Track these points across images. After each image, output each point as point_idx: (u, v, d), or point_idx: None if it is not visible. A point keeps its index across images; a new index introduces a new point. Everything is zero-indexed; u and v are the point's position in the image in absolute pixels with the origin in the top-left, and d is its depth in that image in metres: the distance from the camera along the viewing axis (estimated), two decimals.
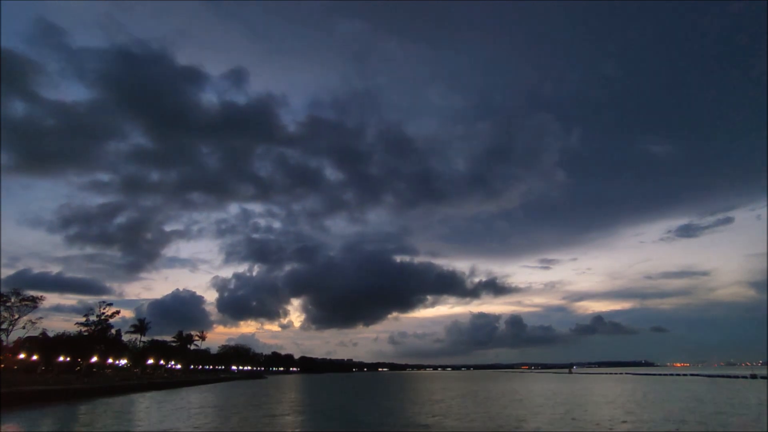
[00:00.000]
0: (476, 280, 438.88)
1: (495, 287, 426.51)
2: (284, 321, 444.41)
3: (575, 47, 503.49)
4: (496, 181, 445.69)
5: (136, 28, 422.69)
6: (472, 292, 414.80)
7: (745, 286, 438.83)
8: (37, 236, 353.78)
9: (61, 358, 77.57)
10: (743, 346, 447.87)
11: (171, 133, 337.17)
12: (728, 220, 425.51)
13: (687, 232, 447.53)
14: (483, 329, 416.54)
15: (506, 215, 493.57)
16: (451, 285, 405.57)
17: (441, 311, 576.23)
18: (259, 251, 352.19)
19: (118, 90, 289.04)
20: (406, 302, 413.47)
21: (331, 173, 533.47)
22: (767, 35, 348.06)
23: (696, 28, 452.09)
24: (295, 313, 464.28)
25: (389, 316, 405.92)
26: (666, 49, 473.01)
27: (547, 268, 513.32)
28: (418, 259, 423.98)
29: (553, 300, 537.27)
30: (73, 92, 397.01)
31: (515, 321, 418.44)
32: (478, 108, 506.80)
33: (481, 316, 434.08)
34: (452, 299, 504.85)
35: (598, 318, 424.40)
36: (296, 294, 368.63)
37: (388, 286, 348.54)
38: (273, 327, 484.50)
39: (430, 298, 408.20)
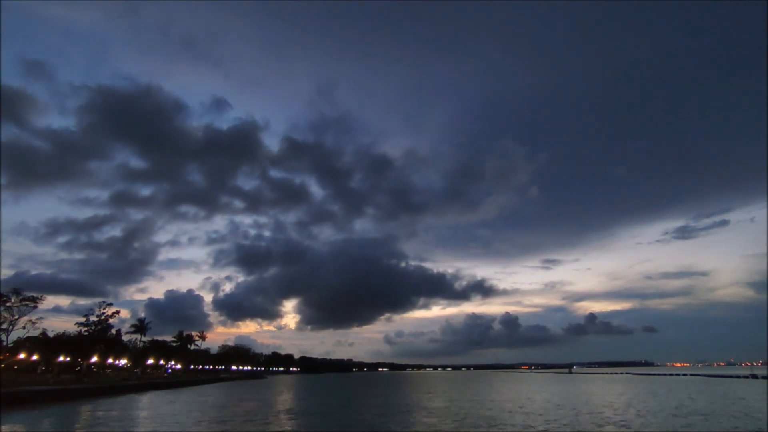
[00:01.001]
0: (464, 282, 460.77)
1: (489, 289, 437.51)
2: (280, 323, 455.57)
3: (535, 75, 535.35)
4: (472, 196, 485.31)
5: (121, 66, 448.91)
6: (464, 294, 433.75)
7: (743, 287, 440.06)
8: (27, 246, 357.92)
9: (61, 358, 77.45)
10: (743, 346, 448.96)
11: (159, 154, 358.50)
12: (724, 223, 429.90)
13: (683, 233, 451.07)
14: (482, 330, 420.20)
15: (486, 224, 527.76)
16: (444, 287, 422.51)
17: (439, 312, 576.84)
18: (250, 256, 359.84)
19: (105, 119, 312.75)
20: (400, 304, 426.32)
21: (316, 189, 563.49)
22: (767, 35, 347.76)
23: (690, 30, 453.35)
24: (290, 314, 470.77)
25: (383, 317, 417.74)
26: (651, 44, 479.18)
27: (547, 268, 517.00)
28: (409, 263, 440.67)
29: (554, 300, 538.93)
30: (61, 120, 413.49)
31: (511, 321, 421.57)
32: (443, 132, 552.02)
33: (480, 316, 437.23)
34: (446, 301, 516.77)
35: (598, 318, 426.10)
36: (290, 296, 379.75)
37: (380, 289, 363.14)
38: (270, 328, 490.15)
39: (423, 299, 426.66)
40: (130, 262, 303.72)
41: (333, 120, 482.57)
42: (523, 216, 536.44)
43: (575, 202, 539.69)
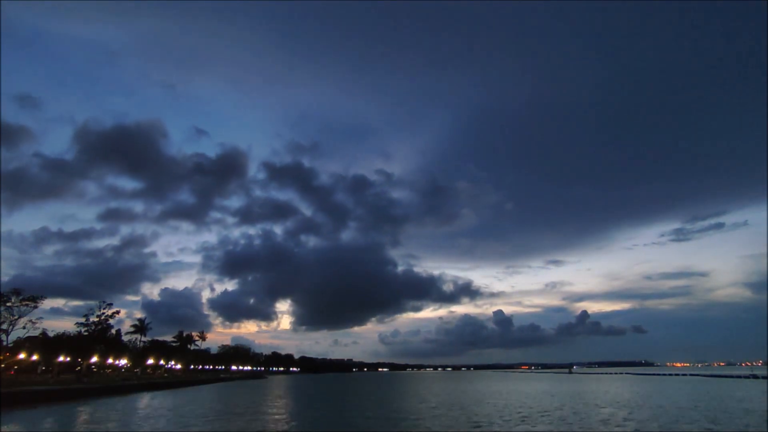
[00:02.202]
0: (462, 284, 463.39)
1: (488, 291, 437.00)
2: (275, 324, 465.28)
3: (516, 91, 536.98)
4: (449, 210, 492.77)
5: (106, 104, 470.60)
6: (463, 296, 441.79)
7: (741, 287, 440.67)
8: (21, 255, 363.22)
9: (61, 358, 77.37)
10: (742, 346, 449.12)
11: (149, 178, 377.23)
12: (719, 225, 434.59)
13: (679, 236, 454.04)
14: (479, 330, 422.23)
15: (467, 233, 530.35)
16: (440, 289, 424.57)
17: (437, 313, 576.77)
18: (242, 262, 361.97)
19: (94, 149, 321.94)
20: (395, 305, 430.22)
21: (301, 205, 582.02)
22: (767, 35, 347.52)
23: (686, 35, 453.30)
24: (284, 316, 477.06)
25: (375, 318, 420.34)
26: (645, 56, 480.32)
27: (548, 269, 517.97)
28: (399, 268, 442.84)
29: (554, 301, 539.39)
30: (53, 148, 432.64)
31: (505, 320, 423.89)
32: (414, 156, 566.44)
33: (476, 317, 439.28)
34: (440, 303, 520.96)
35: (596, 318, 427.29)
36: (282, 299, 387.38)
37: (371, 291, 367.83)
38: (268, 329, 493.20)
39: (420, 302, 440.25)
40: (124, 268, 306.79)
41: (309, 146, 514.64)
42: (514, 221, 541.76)
43: (575, 206, 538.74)
